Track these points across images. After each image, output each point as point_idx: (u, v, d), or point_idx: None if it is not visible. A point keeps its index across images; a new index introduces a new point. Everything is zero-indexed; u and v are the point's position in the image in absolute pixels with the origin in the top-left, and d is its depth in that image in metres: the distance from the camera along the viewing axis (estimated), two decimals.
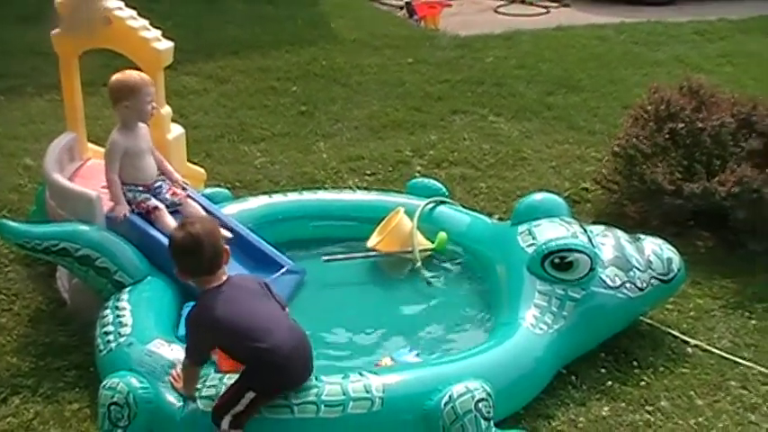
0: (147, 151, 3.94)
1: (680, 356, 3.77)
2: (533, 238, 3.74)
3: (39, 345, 3.78)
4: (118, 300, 3.58)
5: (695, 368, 3.70)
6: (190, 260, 2.96)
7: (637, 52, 8.03)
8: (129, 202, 3.86)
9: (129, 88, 3.80)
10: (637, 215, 4.92)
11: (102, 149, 4.07)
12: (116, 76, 3.86)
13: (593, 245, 3.69)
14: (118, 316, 3.47)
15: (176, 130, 4.34)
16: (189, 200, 4.06)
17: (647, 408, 3.43)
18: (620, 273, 3.66)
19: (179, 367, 3.08)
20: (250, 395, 2.87)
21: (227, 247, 3.05)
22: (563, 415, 3.36)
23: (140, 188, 3.92)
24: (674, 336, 3.91)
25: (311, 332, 3.59)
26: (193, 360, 3.00)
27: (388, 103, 6.65)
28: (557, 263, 3.56)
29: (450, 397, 2.96)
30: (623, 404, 3.44)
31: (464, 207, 4.55)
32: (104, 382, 3.11)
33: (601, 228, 3.97)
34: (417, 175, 5.33)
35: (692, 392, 3.54)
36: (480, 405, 2.95)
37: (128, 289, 3.63)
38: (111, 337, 3.36)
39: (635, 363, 3.68)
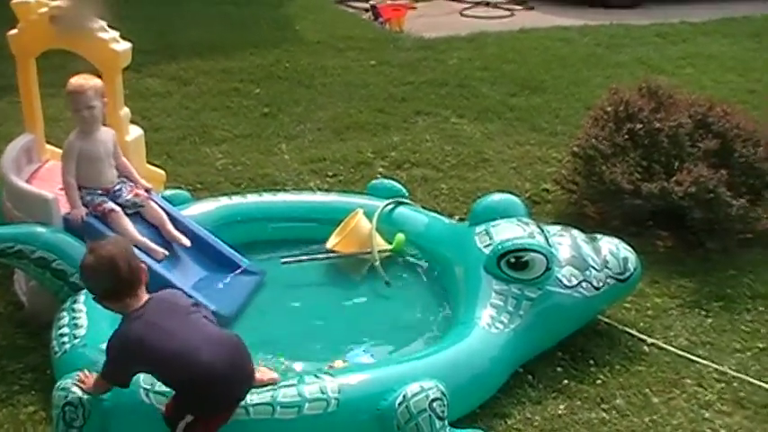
0: (104, 156, 3.93)
1: (636, 355, 3.82)
2: (490, 239, 3.78)
3: None
4: (74, 302, 3.56)
5: (651, 366, 3.75)
6: (105, 283, 2.82)
7: (600, 54, 8.13)
8: (86, 205, 3.85)
9: (68, 94, 3.83)
10: (597, 215, 4.99)
11: (61, 151, 4.06)
12: (72, 79, 3.86)
13: (549, 245, 3.73)
14: (73, 318, 3.45)
15: (134, 132, 4.32)
16: (150, 201, 4.05)
17: (603, 406, 3.47)
18: (576, 272, 3.70)
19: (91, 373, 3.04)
20: (188, 418, 2.81)
21: (143, 265, 2.92)
22: (519, 414, 3.39)
23: (99, 191, 3.91)
24: (630, 334, 3.96)
25: (267, 333, 3.67)
26: (109, 382, 2.95)
27: (351, 104, 6.67)
28: (512, 262, 3.60)
29: (404, 397, 2.98)
30: (579, 402, 3.48)
31: (424, 208, 4.58)
32: (58, 383, 3.09)
33: (557, 228, 4.02)
34: (379, 176, 5.35)
35: (647, 390, 3.58)
36: (434, 404, 2.98)
37: (84, 291, 3.60)
38: (65, 339, 3.34)
39: (591, 361, 3.72)
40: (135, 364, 2.84)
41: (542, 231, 3.86)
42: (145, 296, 2.87)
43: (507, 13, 10.07)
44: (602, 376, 3.65)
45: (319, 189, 5.22)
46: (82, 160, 3.85)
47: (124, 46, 4.10)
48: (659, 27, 9.08)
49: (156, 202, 4.09)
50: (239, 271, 4.10)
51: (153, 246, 3.88)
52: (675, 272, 4.49)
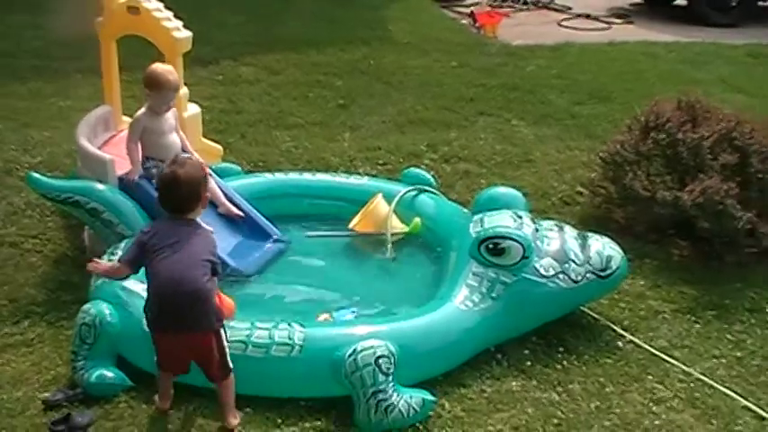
0: (167, 132, 4.35)
1: (610, 349, 3.92)
2: (481, 225, 3.98)
3: (56, 281, 4.33)
4: (115, 248, 4.06)
5: (620, 361, 3.84)
6: (165, 195, 3.17)
7: (679, 70, 8.01)
8: (151, 175, 4.27)
9: (154, 83, 4.23)
10: (623, 220, 5.03)
11: None
12: (152, 66, 4.28)
13: (535, 237, 3.89)
14: (110, 260, 3.94)
15: (192, 110, 4.81)
16: (212, 180, 4.44)
17: (558, 389, 3.61)
18: (555, 264, 3.85)
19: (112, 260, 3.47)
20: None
21: (209, 195, 3.35)
22: (476, 385, 3.59)
23: (162, 162, 4.36)
24: (613, 330, 4.06)
25: (279, 288, 4.11)
26: (123, 264, 3.24)
27: (420, 101, 6.96)
28: (491, 248, 3.80)
29: (354, 350, 3.26)
30: (535, 382, 3.63)
31: (444, 197, 4.81)
32: (82, 307, 3.59)
33: (551, 223, 4.17)
34: (423, 167, 5.60)
35: (606, 381, 3.68)
36: (380, 361, 3.24)
37: (126, 240, 4.11)
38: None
39: (561, 348, 3.86)
40: (141, 251, 3.18)
41: (534, 224, 4.02)
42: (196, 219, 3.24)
43: (605, 25, 10.01)
44: (566, 363, 3.78)
45: (367, 174, 5.53)
46: (147, 133, 4.30)
47: (185, 34, 4.59)
48: (753, 47, 8.80)
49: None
50: (270, 240, 4.50)
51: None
52: (681, 279, 4.52)
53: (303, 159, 5.82)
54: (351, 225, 4.58)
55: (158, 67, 4.27)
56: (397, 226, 4.55)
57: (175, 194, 3.15)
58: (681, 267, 4.62)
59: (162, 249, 3.09)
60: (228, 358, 3.18)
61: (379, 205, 4.58)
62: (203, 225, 3.29)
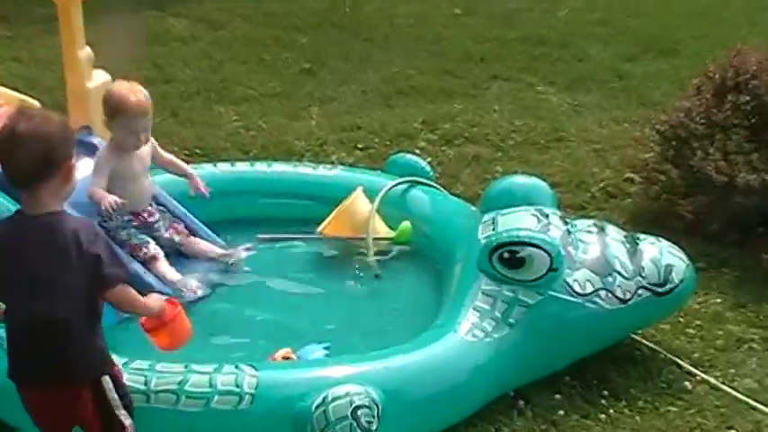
0: (141, 173, 4.37)
1: (675, 392, 3.91)
2: (493, 228, 4.01)
3: None
4: None
5: (689, 408, 3.82)
6: (2, 159, 2.97)
7: None
8: (121, 243, 4.24)
9: (114, 108, 4.21)
10: (690, 215, 5.04)
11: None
12: (110, 87, 4.31)
13: (566, 242, 3.92)
14: None
15: (99, 78, 4.83)
16: (191, 238, 4.51)
17: None
18: (594, 277, 3.86)
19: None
20: None
21: (75, 166, 3.03)
22: None
23: (133, 222, 4.36)
24: (678, 366, 4.06)
25: (223, 317, 4.10)
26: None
27: (413, 64, 7.01)
28: (507, 258, 3.81)
29: (323, 399, 3.25)
30: None
31: (445, 191, 4.84)
32: None
33: (589, 222, 4.19)
34: (417, 151, 5.64)
35: None
36: (359, 412, 3.23)
37: None
38: None
39: (606, 392, 3.87)
40: None
41: (565, 225, 4.05)
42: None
43: None
44: (613, 411, 3.78)
45: (341, 164, 5.57)
46: (116, 178, 4.27)
47: None
48: None
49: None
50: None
51: (191, 285, 4.28)
52: None
53: (256, 144, 5.85)
54: (319, 229, 4.60)
55: (118, 86, 4.28)
56: (381, 230, 4.57)
57: (13, 158, 2.94)
58: None
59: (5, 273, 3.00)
60: (123, 416, 3.15)
61: (358, 202, 4.60)
62: (73, 216, 3.07)
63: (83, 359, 3.02)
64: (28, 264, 2.94)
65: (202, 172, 4.87)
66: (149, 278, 4.22)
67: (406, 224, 4.57)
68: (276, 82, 6.71)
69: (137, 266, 4.20)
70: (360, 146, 5.87)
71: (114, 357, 3.17)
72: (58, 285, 2.93)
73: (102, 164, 4.27)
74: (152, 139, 4.43)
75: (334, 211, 4.62)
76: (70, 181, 3.01)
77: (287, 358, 3.75)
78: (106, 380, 3.06)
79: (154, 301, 3.19)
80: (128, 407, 3.12)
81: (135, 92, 4.24)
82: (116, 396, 3.08)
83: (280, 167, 5.03)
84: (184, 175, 4.58)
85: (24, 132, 2.91)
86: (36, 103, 4.57)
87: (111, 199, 4.11)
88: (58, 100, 5.20)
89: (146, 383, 3.35)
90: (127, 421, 3.10)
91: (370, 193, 4.62)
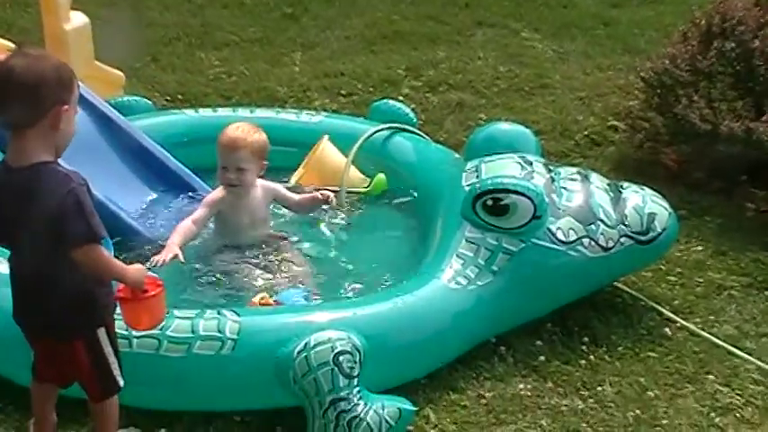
0: (246, 225, 4.15)
1: (655, 338, 3.95)
2: (477, 176, 4.01)
3: None
4: None
5: (669, 354, 3.86)
6: None
7: None
8: None
9: (218, 145, 4.07)
10: (674, 164, 5.09)
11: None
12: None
13: (550, 189, 3.92)
14: None
15: (77, 20, 4.77)
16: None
17: (582, 393, 3.63)
18: (577, 225, 3.86)
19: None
20: None
21: (74, 110, 2.90)
22: (472, 390, 3.61)
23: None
24: (659, 313, 4.09)
25: (205, 263, 4.07)
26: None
27: (398, 8, 7.00)
28: (490, 205, 3.81)
29: (305, 345, 3.25)
30: (551, 384, 3.66)
31: (428, 138, 4.83)
32: None
33: (573, 170, 4.20)
34: (401, 97, 5.63)
35: (650, 382, 3.69)
36: (341, 358, 3.24)
37: None
38: None
39: (587, 338, 3.89)
40: None
41: (549, 173, 4.05)
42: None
43: None
44: (594, 358, 3.81)
45: (324, 110, 5.55)
46: (222, 219, 4.15)
47: None
48: None
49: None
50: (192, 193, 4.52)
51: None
52: (756, 244, 4.55)
53: (238, 90, 5.83)
54: (293, 179, 4.60)
55: (234, 128, 4.10)
56: (356, 179, 4.56)
57: (3, 98, 2.80)
58: (756, 227, 4.67)
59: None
60: (115, 370, 3.15)
61: (325, 151, 4.60)
62: (56, 169, 2.86)
63: (69, 313, 2.95)
64: (7, 215, 2.86)
65: (184, 117, 4.87)
66: (139, 227, 4.19)
67: (380, 176, 4.59)
68: (257, 27, 6.68)
69: (125, 214, 4.15)
70: (343, 92, 5.86)
71: None
72: (34, 239, 2.84)
73: (209, 202, 4.11)
74: (275, 187, 4.26)
75: (303, 162, 4.63)
76: (57, 129, 2.81)
77: (265, 304, 3.76)
78: (102, 332, 3.02)
79: (135, 270, 3.00)
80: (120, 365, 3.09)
81: (237, 128, 4.09)
82: (111, 350, 3.04)
83: (262, 113, 5.00)
84: (323, 203, 4.28)
85: (15, 69, 2.77)
86: (11, 45, 4.53)
87: (168, 256, 3.81)
88: (34, 43, 5.11)
89: (127, 328, 3.34)
90: (121, 381, 3.10)
91: (351, 140, 4.61)
